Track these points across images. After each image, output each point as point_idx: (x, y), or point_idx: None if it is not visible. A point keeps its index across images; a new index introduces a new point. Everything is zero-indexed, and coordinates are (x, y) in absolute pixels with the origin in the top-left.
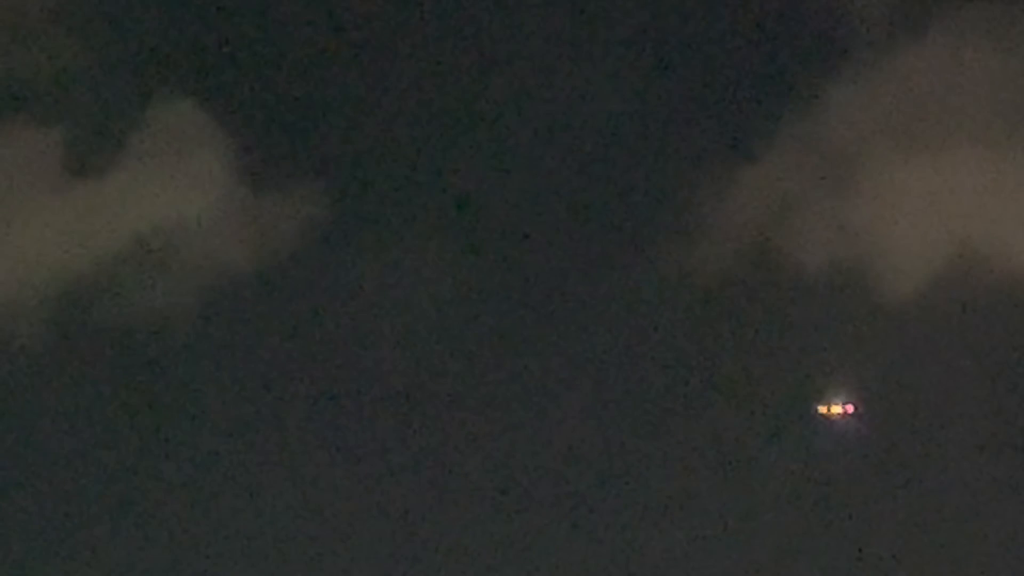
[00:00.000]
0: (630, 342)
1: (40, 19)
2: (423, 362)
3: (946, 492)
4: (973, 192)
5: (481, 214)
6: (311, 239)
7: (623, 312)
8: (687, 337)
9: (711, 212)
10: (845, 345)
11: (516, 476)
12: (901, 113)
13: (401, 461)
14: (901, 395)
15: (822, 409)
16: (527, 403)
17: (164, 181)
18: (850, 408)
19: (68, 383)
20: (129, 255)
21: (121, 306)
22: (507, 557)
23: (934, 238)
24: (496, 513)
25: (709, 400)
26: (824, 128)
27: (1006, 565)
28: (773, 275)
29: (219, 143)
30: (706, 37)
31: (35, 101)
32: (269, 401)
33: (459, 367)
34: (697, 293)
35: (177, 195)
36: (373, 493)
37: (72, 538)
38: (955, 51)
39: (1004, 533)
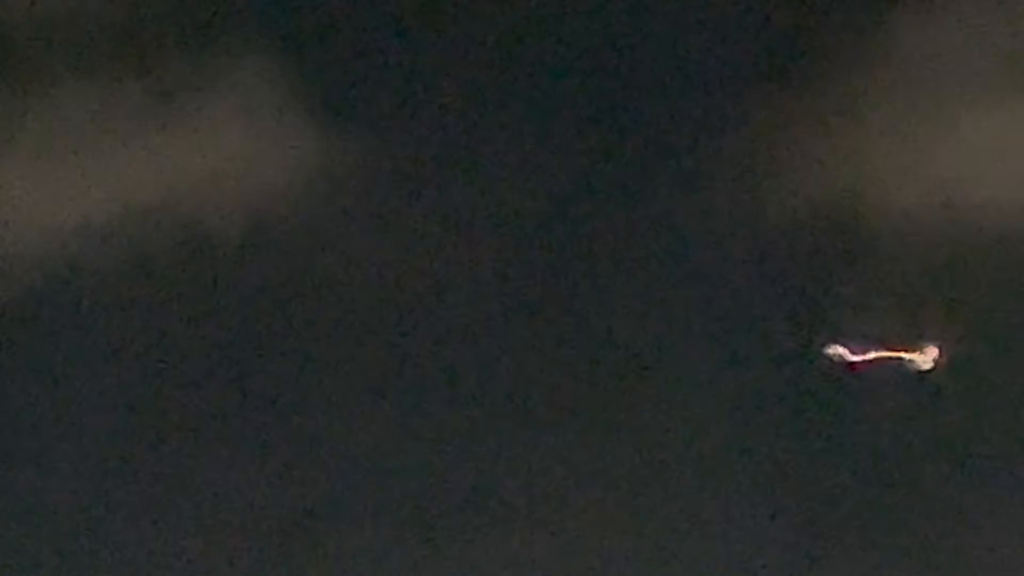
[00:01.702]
0: (702, 288)
1: None
2: (498, 319)
3: None
4: None
5: (539, 173)
6: (382, 198)
7: (696, 256)
8: (762, 282)
9: (786, 157)
10: (928, 293)
11: (591, 401)
12: (984, 59)
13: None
14: (987, 344)
15: (911, 355)
16: (592, 349)
17: (237, 140)
18: (934, 351)
19: (146, 341)
20: (203, 213)
21: (195, 264)
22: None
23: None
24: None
25: (785, 349)
26: (904, 73)
27: None
28: (851, 221)
29: (293, 101)
30: None
31: (113, 59)
32: (343, 355)
33: (516, 309)
34: (772, 238)
35: (250, 153)
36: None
37: (159, 452)
38: None
39: None
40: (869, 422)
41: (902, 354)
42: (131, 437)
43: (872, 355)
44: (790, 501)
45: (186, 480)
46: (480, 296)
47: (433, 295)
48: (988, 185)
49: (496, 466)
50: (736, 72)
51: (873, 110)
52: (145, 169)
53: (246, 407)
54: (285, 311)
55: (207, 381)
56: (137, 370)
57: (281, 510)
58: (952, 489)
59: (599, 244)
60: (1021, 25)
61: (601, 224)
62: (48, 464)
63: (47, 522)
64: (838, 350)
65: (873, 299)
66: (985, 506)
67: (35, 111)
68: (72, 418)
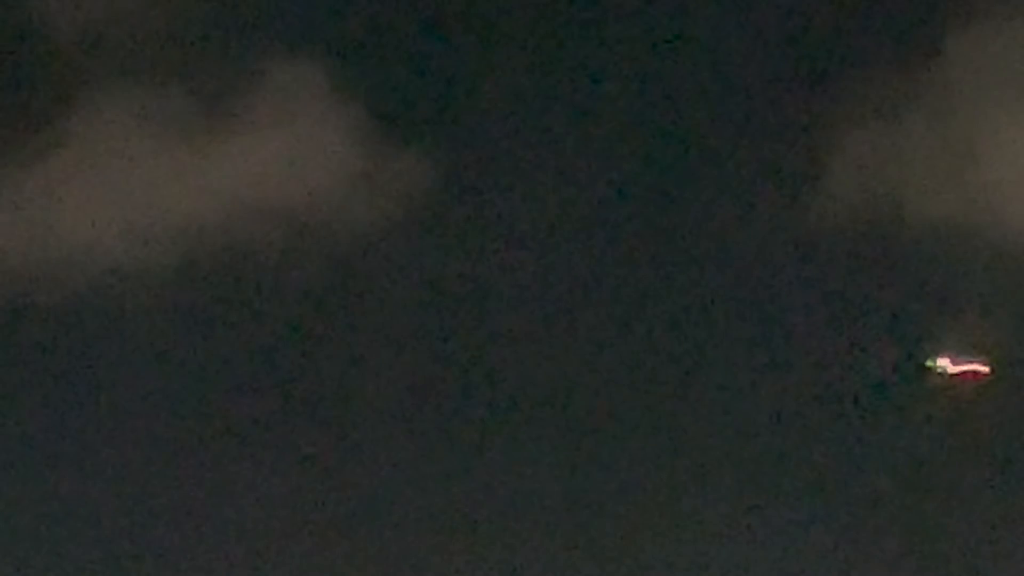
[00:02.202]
0: (744, 293)
1: None
2: (539, 325)
3: None
4: None
5: (595, 180)
6: (425, 204)
7: (738, 262)
8: (804, 288)
9: (830, 165)
10: (972, 304)
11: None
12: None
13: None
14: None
15: (950, 368)
16: (652, 351)
17: (280, 144)
18: (981, 368)
19: (188, 346)
20: (245, 218)
21: (236, 269)
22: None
23: None
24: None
25: (827, 355)
26: (946, 81)
27: None
28: (893, 229)
29: (336, 106)
30: None
31: (156, 63)
32: (383, 361)
33: (573, 326)
34: (814, 246)
35: (293, 158)
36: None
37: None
38: None
39: None
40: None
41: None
42: (177, 440)
43: (974, 367)
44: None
45: (231, 480)
46: (522, 300)
47: (477, 299)
48: None
49: (542, 470)
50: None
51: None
52: (188, 175)
53: (287, 411)
54: (328, 315)
55: (249, 384)
56: (182, 374)
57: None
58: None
59: (668, 249)
60: None
61: (659, 229)
62: (91, 466)
63: (87, 523)
64: (943, 361)
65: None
66: None
67: (78, 117)
68: (116, 420)
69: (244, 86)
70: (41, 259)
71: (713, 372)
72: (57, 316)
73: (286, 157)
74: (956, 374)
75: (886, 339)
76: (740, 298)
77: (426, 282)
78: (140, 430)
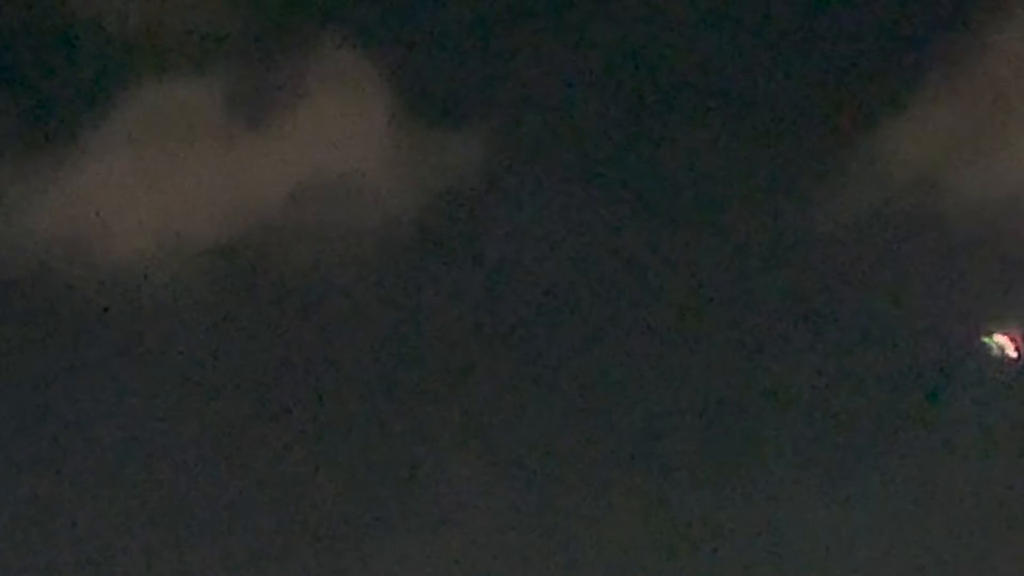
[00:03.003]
0: (787, 278)
1: None
2: (585, 302)
3: None
4: None
5: (637, 160)
6: (472, 183)
7: (782, 248)
8: (846, 273)
9: (872, 148)
10: (1010, 284)
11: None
12: None
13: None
14: None
15: (1007, 345)
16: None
17: (325, 129)
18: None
19: (231, 332)
20: (292, 204)
21: (284, 255)
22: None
23: None
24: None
25: (879, 339)
26: (986, 65)
27: None
28: (933, 212)
29: (379, 89)
30: None
31: (197, 52)
32: (432, 343)
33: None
34: (855, 230)
35: (338, 142)
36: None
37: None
38: None
39: None
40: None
41: None
42: (210, 423)
43: None
44: None
45: (263, 462)
46: (565, 285)
47: (519, 283)
48: None
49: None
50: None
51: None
52: (240, 171)
53: (322, 393)
54: (368, 299)
55: (286, 368)
56: (218, 358)
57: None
58: None
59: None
60: None
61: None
62: (118, 455)
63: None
64: (1002, 340)
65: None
66: None
67: (116, 111)
68: (148, 415)
69: (282, 71)
70: (80, 250)
71: (763, 357)
72: (94, 305)
73: (325, 143)
74: (1014, 350)
75: (940, 319)
76: (787, 280)
77: (468, 266)
78: (174, 416)
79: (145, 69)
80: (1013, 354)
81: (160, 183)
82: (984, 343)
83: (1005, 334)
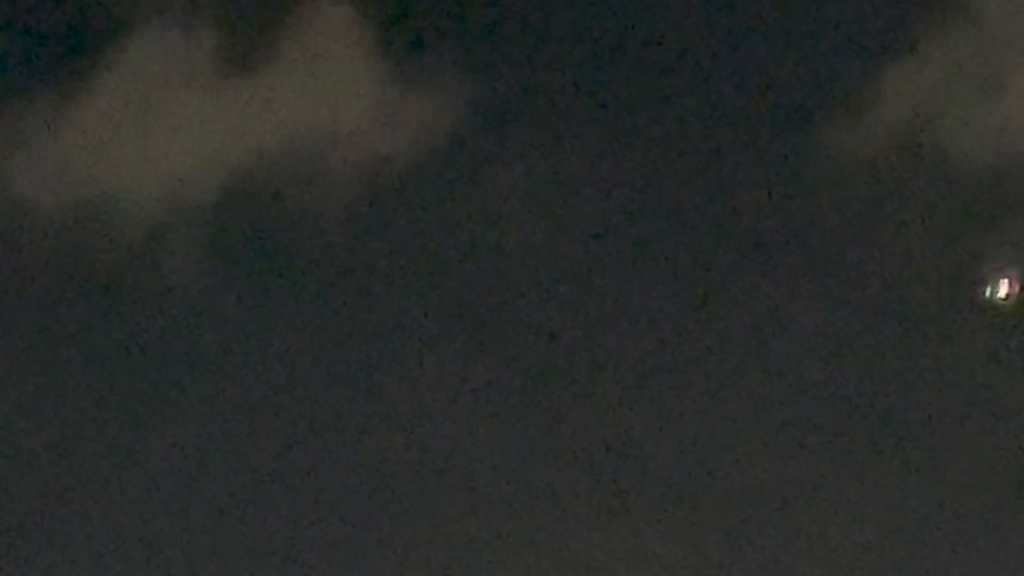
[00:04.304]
0: (780, 224)
1: None
2: (589, 260)
3: None
4: None
5: (629, 113)
6: (462, 133)
7: (773, 194)
8: (839, 221)
9: (864, 102)
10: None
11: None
12: None
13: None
14: None
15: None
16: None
17: (314, 79)
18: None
19: (224, 281)
20: (281, 154)
21: (274, 206)
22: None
23: None
24: None
25: (879, 284)
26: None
27: None
28: (925, 167)
29: (370, 38)
30: None
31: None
32: (421, 301)
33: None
34: (848, 180)
35: (328, 93)
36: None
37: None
38: None
39: None
40: None
41: None
42: (212, 381)
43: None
44: None
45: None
46: (549, 238)
47: (501, 236)
48: None
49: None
50: None
51: None
52: (230, 119)
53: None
54: (356, 250)
55: (283, 325)
56: (219, 306)
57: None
58: None
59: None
60: None
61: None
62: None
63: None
64: (999, 281)
65: None
66: None
67: (112, 60)
68: (140, 357)
69: (273, 25)
70: (70, 196)
71: (757, 299)
72: (94, 254)
73: (315, 91)
74: (1009, 295)
75: (938, 264)
76: (785, 228)
77: (452, 218)
78: (168, 356)
79: (135, 18)
80: (1006, 292)
81: (150, 130)
82: (982, 285)
83: (1002, 276)
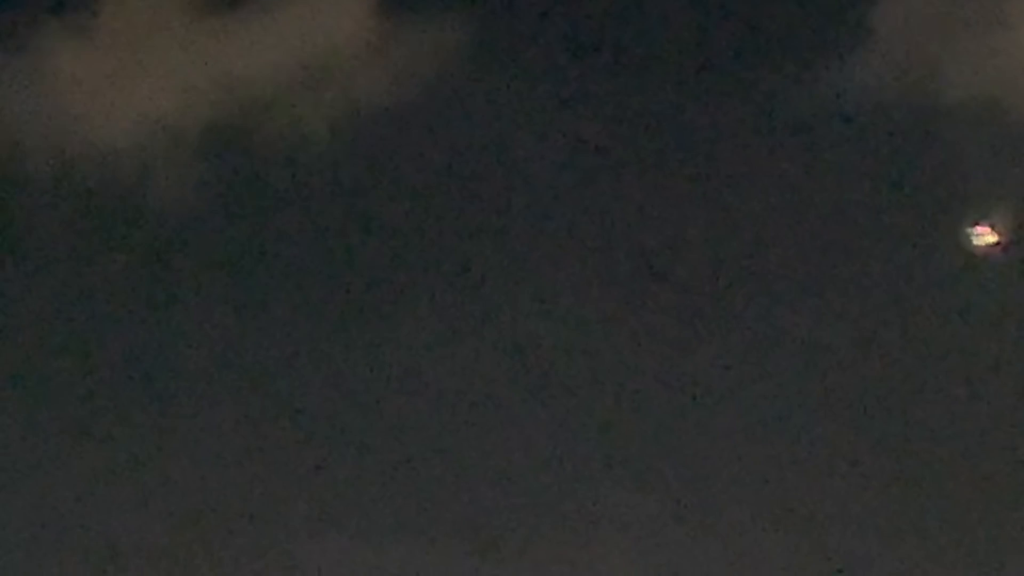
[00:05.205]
0: (772, 163)
1: None
2: (576, 203)
3: None
4: None
5: (635, 43)
6: (453, 69)
7: (768, 134)
8: (833, 161)
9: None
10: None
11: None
12: None
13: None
14: None
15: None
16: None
17: (308, 11)
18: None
19: (213, 220)
20: (266, 89)
21: (259, 141)
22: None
23: None
24: None
25: (868, 230)
26: None
27: None
28: (922, 101)
29: None
30: None
31: None
32: (406, 241)
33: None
34: (843, 117)
35: (321, 25)
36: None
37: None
38: None
39: None
40: None
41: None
42: (196, 316)
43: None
44: None
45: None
46: (550, 173)
47: (502, 172)
48: None
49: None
50: None
51: None
52: (220, 53)
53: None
54: (350, 185)
55: (272, 262)
56: (213, 226)
57: None
58: None
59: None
60: None
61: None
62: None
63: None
64: (983, 231)
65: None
66: None
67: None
68: (127, 298)
69: None
70: (59, 134)
71: (746, 246)
72: (74, 188)
73: (307, 26)
74: (997, 243)
75: (927, 210)
76: (776, 172)
77: (449, 154)
78: (154, 296)
79: None
80: (992, 239)
81: (139, 65)
82: (967, 232)
83: (987, 224)
